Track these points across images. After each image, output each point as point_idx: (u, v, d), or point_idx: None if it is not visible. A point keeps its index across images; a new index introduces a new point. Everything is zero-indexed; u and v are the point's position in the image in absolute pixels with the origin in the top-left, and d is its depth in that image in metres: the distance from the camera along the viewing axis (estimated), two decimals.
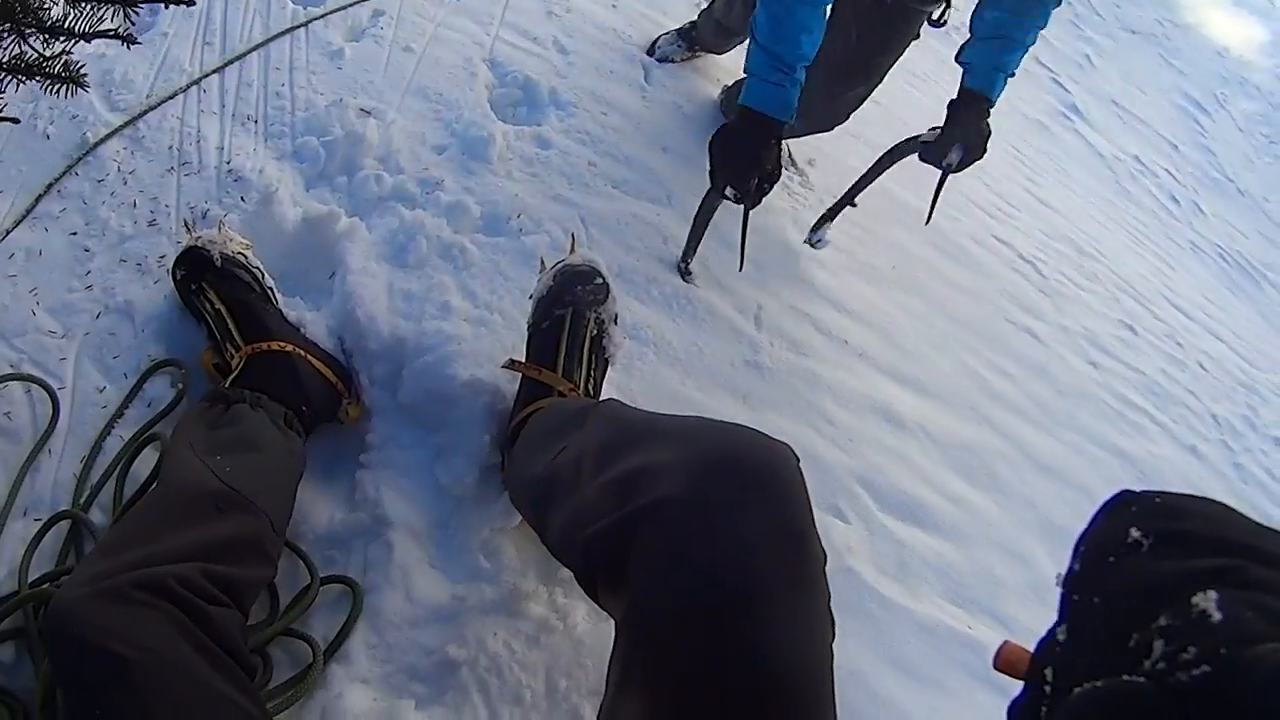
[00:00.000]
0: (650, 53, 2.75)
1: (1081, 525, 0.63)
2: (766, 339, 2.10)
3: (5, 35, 1.26)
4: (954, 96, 2.03)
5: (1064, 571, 0.61)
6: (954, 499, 2.07)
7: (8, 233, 1.61)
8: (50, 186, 1.70)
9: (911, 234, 2.72)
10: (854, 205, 2.25)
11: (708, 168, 1.85)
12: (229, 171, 1.84)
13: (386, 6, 2.42)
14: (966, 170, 2.04)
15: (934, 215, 2.20)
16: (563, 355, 1.49)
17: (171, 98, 1.94)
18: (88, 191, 1.72)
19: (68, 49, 1.36)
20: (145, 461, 1.39)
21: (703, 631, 0.85)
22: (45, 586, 1.20)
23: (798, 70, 1.74)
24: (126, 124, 1.85)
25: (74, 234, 1.65)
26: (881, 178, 2.37)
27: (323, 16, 2.29)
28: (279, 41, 2.18)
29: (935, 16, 2.17)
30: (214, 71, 2.04)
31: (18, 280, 1.56)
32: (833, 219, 2.32)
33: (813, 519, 0.95)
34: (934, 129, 2.05)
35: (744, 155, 1.79)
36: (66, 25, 1.29)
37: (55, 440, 1.40)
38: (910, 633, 1.71)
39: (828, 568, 0.94)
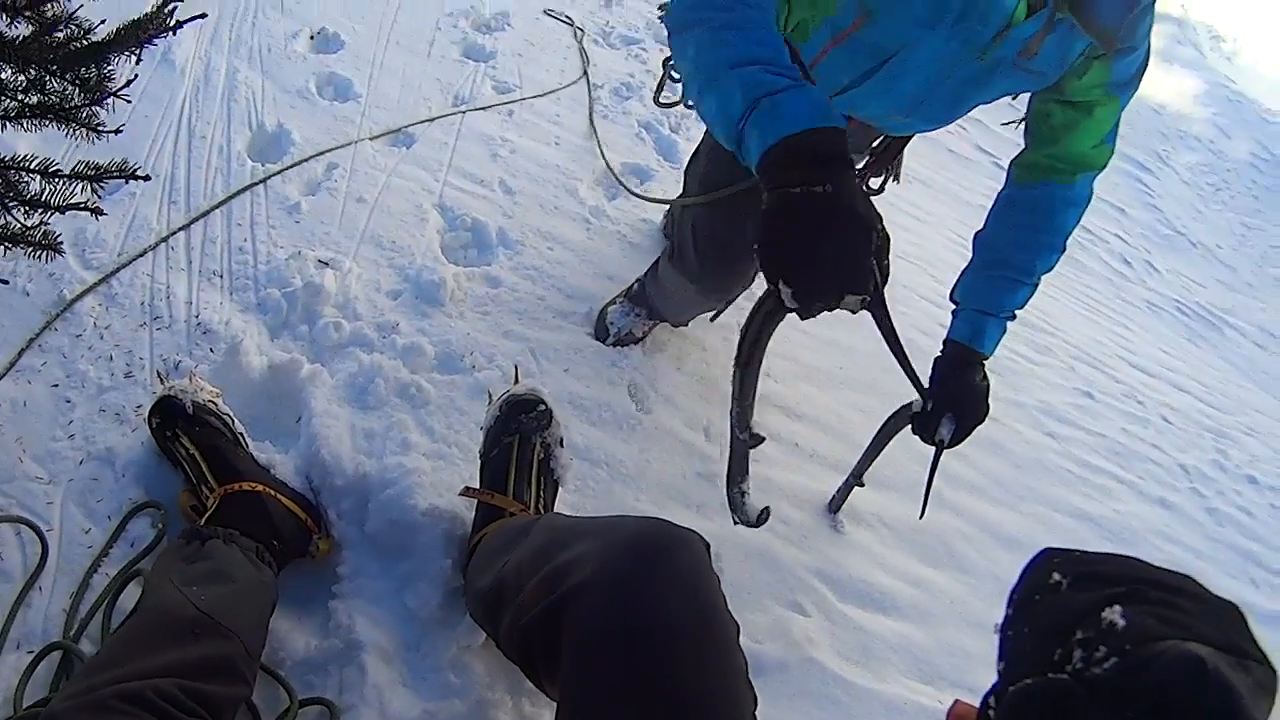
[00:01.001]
0: (601, 336, 2.29)
1: None
2: (717, 450, 2.18)
3: None
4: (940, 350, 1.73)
5: (1000, 621, 0.74)
6: (915, 581, 2.13)
7: None
8: (31, 341, 1.80)
9: (854, 334, 2.77)
10: (861, 485, 2.10)
11: (781, 291, 1.08)
12: (198, 324, 1.95)
13: (340, 160, 2.57)
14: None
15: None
16: (512, 479, 1.60)
17: (141, 255, 2.06)
18: (67, 346, 1.82)
19: (45, 220, 1.51)
20: (130, 596, 1.48)
21: (623, 698, 0.97)
22: (39, 711, 1.27)
23: (792, 70, 1.12)
24: (100, 281, 1.96)
25: (55, 386, 1.75)
26: None
27: (280, 172, 2.43)
28: (240, 198, 2.31)
29: (875, 185, 1.96)
30: (180, 229, 2.16)
31: (4, 430, 1.65)
32: (845, 498, 2.16)
33: (719, 593, 1.08)
34: (928, 388, 1.67)
35: (829, 235, 1.03)
36: (44, 199, 1.46)
37: (45, 578, 1.49)
38: (878, 714, 1.78)
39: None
